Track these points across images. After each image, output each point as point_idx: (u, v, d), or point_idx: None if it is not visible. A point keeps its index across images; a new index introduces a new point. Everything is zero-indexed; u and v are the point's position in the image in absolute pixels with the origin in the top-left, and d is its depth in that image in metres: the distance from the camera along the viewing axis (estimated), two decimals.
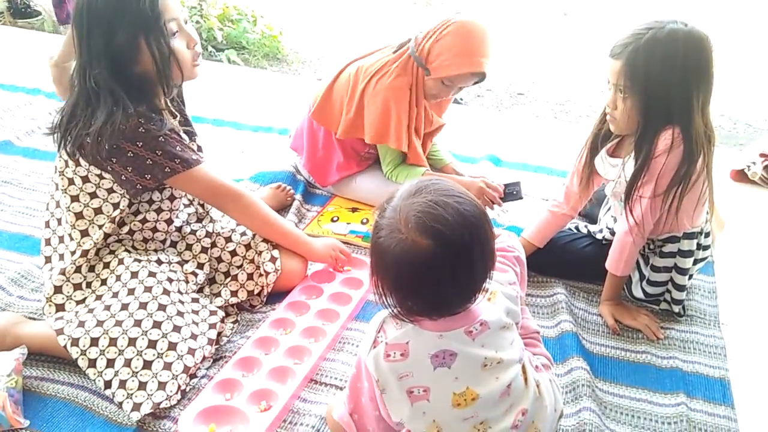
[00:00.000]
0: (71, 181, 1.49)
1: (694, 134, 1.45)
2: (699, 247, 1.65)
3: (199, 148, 1.62)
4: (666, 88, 1.43)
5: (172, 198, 1.57)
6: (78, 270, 1.50)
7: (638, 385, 1.49)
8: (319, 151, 2.14)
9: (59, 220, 1.56)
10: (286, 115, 2.76)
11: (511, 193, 2.02)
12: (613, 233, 1.70)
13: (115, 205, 1.50)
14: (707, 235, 1.68)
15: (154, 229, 1.57)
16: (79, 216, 1.51)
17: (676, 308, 1.67)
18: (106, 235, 1.51)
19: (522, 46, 4.38)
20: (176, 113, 1.57)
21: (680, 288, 1.65)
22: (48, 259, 1.55)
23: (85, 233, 1.51)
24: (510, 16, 5.09)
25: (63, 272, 1.49)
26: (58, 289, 1.49)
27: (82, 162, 1.46)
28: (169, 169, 1.44)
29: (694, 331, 1.65)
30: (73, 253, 1.51)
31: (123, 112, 1.38)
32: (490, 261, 1.02)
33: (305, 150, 2.17)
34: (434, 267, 0.96)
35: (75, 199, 1.50)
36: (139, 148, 1.40)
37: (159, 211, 1.56)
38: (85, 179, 1.48)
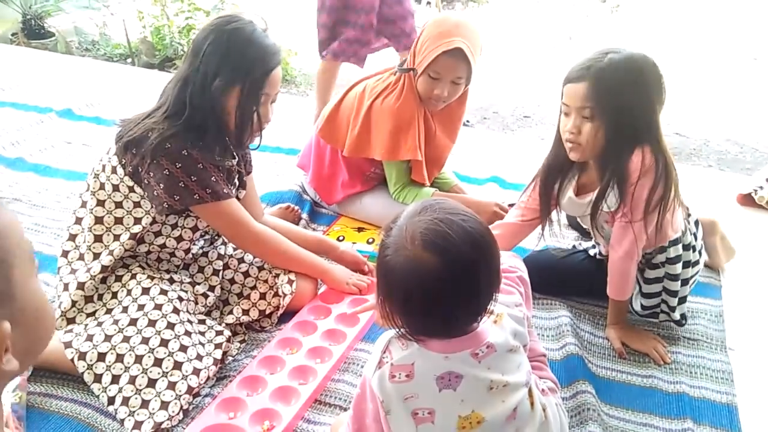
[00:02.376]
0: (102, 186, 1.52)
1: (665, 148, 1.48)
2: (689, 248, 1.64)
3: (243, 184, 1.69)
4: (634, 106, 1.45)
5: (195, 228, 1.59)
6: (82, 285, 1.51)
7: (644, 409, 1.47)
8: (325, 169, 2.15)
9: (74, 237, 1.57)
10: (294, 136, 2.78)
11: None
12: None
13: (137, 220, 1.52)
14: (694, 234, 1.67)
15: (172, 254, 1.59)
16: (98, 221, 1.53)
17: (676, 315, 1.66)
18: (124, 250, 1.52)
19: (528, 69, 4.41)
20: (236, 156, 1.64)
21: (673, 294, 1.64)
22: (67, 271, 1.56)
23: (98, 239, 1.52)
24: (517, 40, 5.14)
25: (81, 287, 1.50)
26: (74, 304, 1.50)
27: (119, 170, 1.49)
28: (198, 196, 1.47)
29: (701, 355, 1.64)
30: (88, 269, 1.51)
31: (184, 135, 1.44)
32: (496, 280, 1.02)
33: (312, 168, 2.19)
34: (440, 284, 0.96)
35: (101, 203, 1.53)
36: (177, 168, 1.44)
37: (179, 239, 1.57)
38: (116, 188, 1.51)
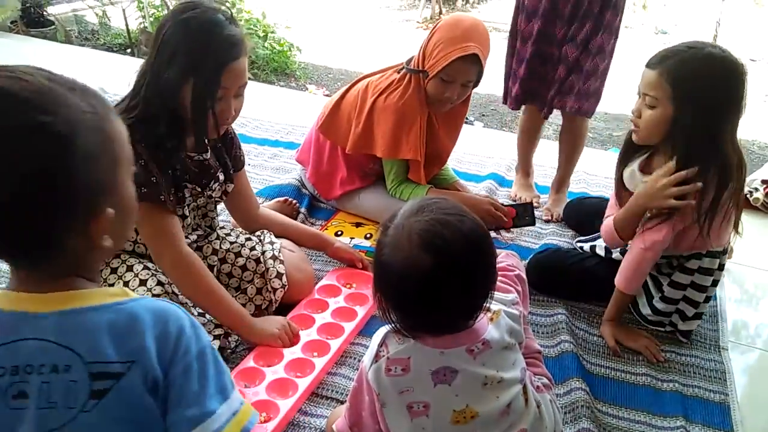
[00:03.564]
0: None
1: (726, 155, 1.46)
2: (720, 267, 1.64)
3: (229, 178, 1.64)
4: (706, 105, 1.44)
5: (183, 216, 1.55)
6: None
7: (637, 407, 1.49)
8: (323, 165, 2.16)
9: None
10: (293, 129, 2.78)
11: (524, 218, 2.02)
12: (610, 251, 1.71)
13: None
14: (724, 252, 1.67)
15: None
16: None
17: (685, 327, 1.66)
18: None
19: None
20: (195, 168, 1.54)
21: (693, 304, 1.64)
22: None
23: None
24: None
25: None
26: None
27: None
28: None
29: (695, 354, 1.66)
30: None
31: (136, 128, 1.38)
32: (491, 280, 1.04)
33: (311, 163, 2.20)
34: (436, 284, 0.97)
35: None
36: None
37: None
38: None
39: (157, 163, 1.41)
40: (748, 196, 2.38)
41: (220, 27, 1.37)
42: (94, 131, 0.74)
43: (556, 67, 2.04)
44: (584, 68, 2.01)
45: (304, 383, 1.43)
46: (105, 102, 0.80)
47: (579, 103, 2.05)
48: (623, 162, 1.68)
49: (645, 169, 1.63)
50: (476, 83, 1.96)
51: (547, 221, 2.22)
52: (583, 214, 2.07)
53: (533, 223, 2.04)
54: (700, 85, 1.43)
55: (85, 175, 0.72)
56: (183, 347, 0.78)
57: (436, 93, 1.92)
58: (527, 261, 1.84)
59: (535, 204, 2.24)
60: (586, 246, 1.86)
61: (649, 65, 1.50)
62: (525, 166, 2.40)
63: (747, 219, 2.32)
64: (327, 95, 3.60)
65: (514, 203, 2.12)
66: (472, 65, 1.87)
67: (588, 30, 1.96)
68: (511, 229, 2.07)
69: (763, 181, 2.38)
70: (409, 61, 2.00)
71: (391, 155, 1.98)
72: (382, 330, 1.09)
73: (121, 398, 0.73)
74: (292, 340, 1.54)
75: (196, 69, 1.36)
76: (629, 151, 1.66)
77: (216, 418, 0.78)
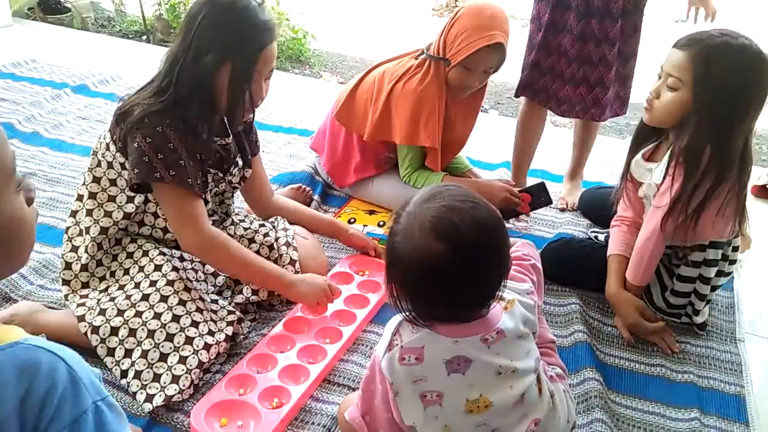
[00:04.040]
0: (99, 163, 1.52)
1: (730, 151, 1.43)
2: (725, 258, 1.62)
3: (248, 163, 1.67)
4: (732, 98, 1.41)
5: (205, 202, 1.56)
6: (99, 263, 1.53)
7: (651, 398, 1.48)
8: (338, 152, 2.15)
9: (75, 213, 1.58)
10: (307, 116, 2.78)
11: (540, 198, 2.00)
12: None
13: (130, 199, 1.51)
14: (735, 248, 1.66)
15: (165, 230, 1.57)
16: (92, 196, 1.52)
17: (699, 319, 1.65)
18: (117, 229, 1.52)
19: None
20: (231, 134, 1.60)
21: (702, 297, 1.63)
22: (68, 248, 1.57)
23: (89, 213, 1.52)
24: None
25: (79, 259, 1.52)
26: (76, 276, 1.52)
27: (111, 147, 1.49)
28: (159, 174, 1.40)
29: (710, 346, 1.64)
30: (86, 246, 1.53)
31: (166, 112, 1.41)
32: (505, 268, 1.03)
33: (325, 150, 2.19)
34: (447, 272, 0.97)
35: (96, 180, 1.52)
36: (147, 143, 1.40)
37: None
38: (110, 165, 1.50)
39: (186, 147, 1.44)
40: (767, 186, 2.35)
41: (256, 12, 1.44)
42: None
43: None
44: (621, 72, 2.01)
45: (316, 370, 1.43)
46: None
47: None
48: (634, 150, 1.66)
49: (650, 158, 1.61)
50: (497, 69, 1.94)
51: (563, 210, 2.19)
52: (599, 204, 2.05)
53: (550, 202, 2.02)
54: (731, 75, 1.40)
55: None
56: (51, 412, 0.63)
57: (457, 81, 1.92)
58: (541, 250, 1.82)
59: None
60: (601, 236, 1.85)
61: (678, 45, 1.47)
62: (516, 166, 2.27)
63: (766, 209, 2.30)
64: (341, 83, 3.59)
65: (526, 187, 2.09)
66: (496, 53, 1.86)
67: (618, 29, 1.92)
68: (530, 214, 2.06)
69: None
70: (428, 47, 1.98)
71: (409, 142, 1.96)
72: (396, 319, 1.08)
73: None
74: (332, 300, 1.59)
75: (235, 51, 1.42)
76: (640, 138, 1.64)
77: None
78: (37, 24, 4.05)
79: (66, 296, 1.52)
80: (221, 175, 1.60)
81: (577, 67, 1.97)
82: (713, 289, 1.65)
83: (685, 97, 1.45)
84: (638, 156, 1.63)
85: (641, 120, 1.63)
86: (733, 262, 1.67)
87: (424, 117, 1.93)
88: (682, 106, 1.47)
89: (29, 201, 0.72)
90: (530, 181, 2.27)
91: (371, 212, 2.12)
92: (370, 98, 2.01)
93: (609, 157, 2.59)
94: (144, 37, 4.14)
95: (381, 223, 2.06)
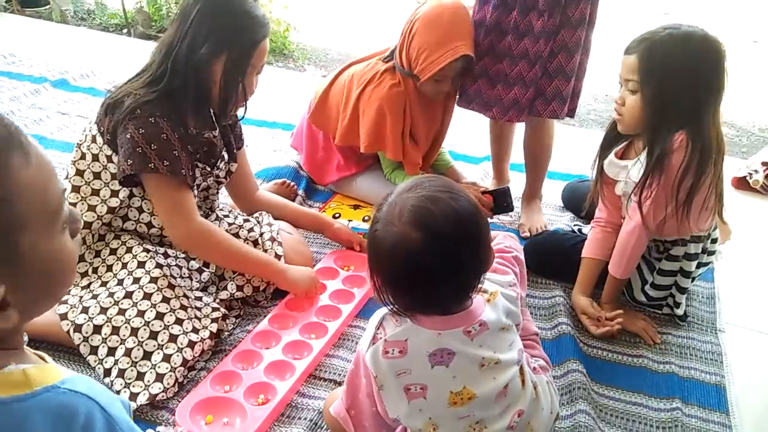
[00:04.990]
0: (83, 156, 1.51)
1: (707, 138, 1.44)
2: (704, 251, 1.65)
3: (233, 157, 1.68)
4: (679, 86, 1.43)
5: None
6: (81, 258, 1.51)
7: (634, 389, 1.50)
8: (319, 152, 2.15)
9: None
10: (290, 110, 2.76)
11: (501, 204, 1.98)
12: None
13: (114, 193, 1.50)
14: (714, 241, 1.68)
15: (161, 236, 1.57)
16: (75, 189, 1.51)
17: (680, 311, 1.67)
18: (101, 223, 1.51)
19: None
20: (217, 127, 1.61)
21: (683, 291, 1.65)
22: None
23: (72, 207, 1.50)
24: None
25: None
26: None
27: (98, 139, 1.47)
28: (152, 165, 1.40)
29: (691, 336, 1.66)
30: None
31: (159, 102, 1.41)
32: (484, 259, 1.03)
33: (305, 150, 2.19)
34: (424, 260, 0.97)
35: (80, 173, 1.51)
36: (139, 134, 1.40)
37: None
38: (95, 158, 1.49)
39: (179, 138, 1.44)
40: (747, 178, 2.38)
41: (252, 6, 1.46)
42: None
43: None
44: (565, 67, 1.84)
45: (301, 365, 1.43)
46: (7, 140, 0.61)
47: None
48: (603, 153, 1.67)
49: (624, 155, 1.63)
50: (470, 69, 1.92)
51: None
52: (581, 197, 2.06)
53: (512, 209, 2.00)
54: (678, 65, 1.42)
55: None
56: None
57: (430, 91, 1.92)
58: (524, 243, 1.83)
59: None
60: (585, 229, 1.86)
61: (627, 51, 1.49)
62: (496, 171, 2.25)
63: (746, 201, 2.33)
64: (325, 76, 3.57)
65: (490, 190, 2.04)
66: (462, 61, 1.85)
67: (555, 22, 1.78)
68: (492, 217, 2.02)
69: (763, 163, 2.37)
70: (392, 53, 1.96)
71: (372, 150, 1.96)
72: (380, 312, 1.09)
73: None
74: (320, 291, 1.65)
75: (231, 44, 1.43)
76: (609, 141, 1.65)
77: None
78: (14, 17, 3.98)
79: None
80: (209, 169, 1.60)
81: (492, 63, 1.89)
82: (692, 279, 1.67)
83: (649, 97, 1.47)
84: (611, 155, 1.65)
85: (608, 127, 1.66)
86: (711, 253, 1.69)
87: (388, 128, 1.92)
88: (649, 105, 1.48)
89: (74, 233, 0.70)
90: (512, 176, 2.28)
91: (356, 207, 2.12)
92: (341, 102, 2.00)
93: (592, 149, 2.60)
94: (125, 31, 4.09)
95: (366, 217, 2.06)
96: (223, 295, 1.60)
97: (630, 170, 1.57)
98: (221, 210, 1.74)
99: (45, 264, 0.65)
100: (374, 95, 1.92)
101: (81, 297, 1.46)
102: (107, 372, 1.36)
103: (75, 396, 0.64)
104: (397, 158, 1.95)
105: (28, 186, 0.62)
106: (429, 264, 0.97)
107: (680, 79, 1.43)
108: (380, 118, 1.92)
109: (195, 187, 1.56)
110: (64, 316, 1.41)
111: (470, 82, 1.94)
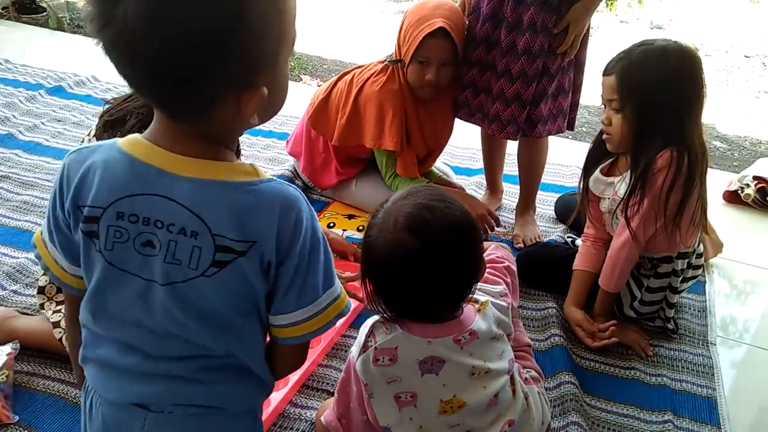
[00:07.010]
0: None
1: (692, 146, 1.46)
2: (689, 266, 1.66)
3: None
4: (659, 100, 1.45)
5: None
6: None
7: (626, 401, 1.49)
8: (318, 156, 2.16)
9: None
10: (287, 120, 2.77)
11: None
12: None
13: None
14: (699, 255, 1.69)
15: None
16: None
17: (671, 325, 1.68)
18: None
19: None
20: None
21: (672, 306, 1.66)
22: None
23: None
24: None
25: None
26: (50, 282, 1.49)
27: None
28: None
29: (683, 349, 1.66)
30: None
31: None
32: (476, 269, 1.04)
33: (303, 155, 2.19)
34: (417, 268, 0.98)
35: None
36: None
37: None
38: None
39: None
40: (739, 192, 2.39)
41: None
42: (269, 3, 0.72)
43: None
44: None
45: (294, 375, 1.43)
46: None
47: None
48: (589, 170, 1.68)
49: (609, 172, 1.64)
50: (455, 61, 1.90)
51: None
52: (573, 208, 2.07)
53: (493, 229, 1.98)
54: (655, 80, 1.44)
55: (252, 46, 0.71)
56: (300, 241, 0.81)
57: (415, 78, 1.90)
58: (517, 255, 1.84)
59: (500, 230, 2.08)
60: (578, 240, 1.87)
61: (605, 72, 1.51)
62: (490, 183, 2.26)
63: (738, 215, 2.34)
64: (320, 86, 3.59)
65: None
66: (443, 41, 1.83)
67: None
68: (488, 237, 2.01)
69: (755, 177, 2.39)
70: (391, 55, 2.00)
71: (377, 144, 1.97)
72: (370, 320, 1.09)
73: (237, 273, 0.78)
74: None
75: None
76: (595, 158, 1.67)
77: (319, 302, 0.84)
78: (11, 24, 3.98)
79: (41, 305, 1.49)
80: None
81: (479, 75, 1.89)
82: (679, 292, 1.68)
83: (632, 114, 1.49)
84: (596, 172, 1.66)
85: (592, 144, 1.67)
86: (697, 267, 1.70)
87: (388, 120, 1.94)
88: (633, 122, 1.49)
89: None
90: (506, 188, 2.29)
91: (350, 216, 2.12)
92: (340, 104, 2.02)
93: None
94: None
95: (360, 227, 2.06)
96: None
97: (617, 187, 1.58)
98: None
99: (282, 86, 0.81)
100: (371, 90, 1.95)
101: None
102: None
103: (289, 189, 0.82)
104: (396, 148, 1.95)
105: (289, 10, 0.76)
106: (422, 271, 0.98)
107: (659, 93, 1.44)
108: (381, 112, 1.94)
109: None
110: (56, 324, 1.40)
111: (472, 96, 1.95)
